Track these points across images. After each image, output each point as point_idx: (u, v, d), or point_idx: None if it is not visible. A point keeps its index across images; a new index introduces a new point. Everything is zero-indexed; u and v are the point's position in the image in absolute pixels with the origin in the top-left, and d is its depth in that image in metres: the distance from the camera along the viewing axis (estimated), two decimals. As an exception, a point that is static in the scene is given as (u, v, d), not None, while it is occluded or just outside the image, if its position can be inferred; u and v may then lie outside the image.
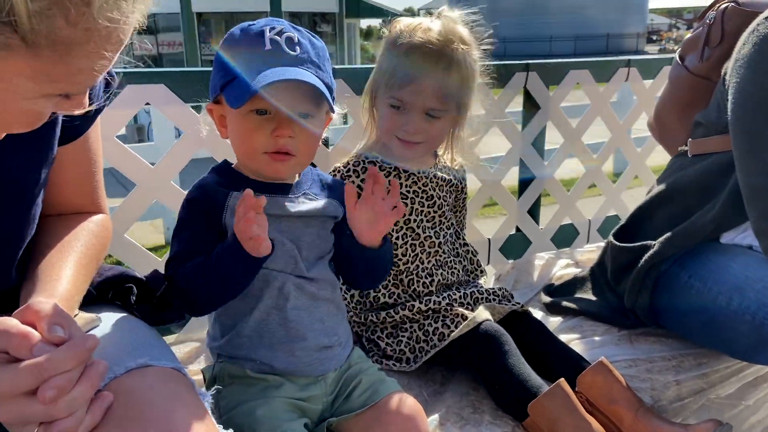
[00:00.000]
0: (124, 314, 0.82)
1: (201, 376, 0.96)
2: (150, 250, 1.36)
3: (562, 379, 1.01)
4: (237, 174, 0.93)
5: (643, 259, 1.21)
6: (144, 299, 0.88)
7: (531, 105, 1.76)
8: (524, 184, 1.83)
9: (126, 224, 1.28)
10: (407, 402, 0.92)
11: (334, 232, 0.97)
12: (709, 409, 1.23)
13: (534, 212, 1.87)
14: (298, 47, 0.85)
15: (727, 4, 1.30)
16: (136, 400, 0.63)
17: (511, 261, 1.80)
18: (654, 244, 1.20)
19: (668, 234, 1.19)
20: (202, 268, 0.83)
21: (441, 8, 1.14)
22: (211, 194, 0.90)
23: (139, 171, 1.26)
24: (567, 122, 1.83)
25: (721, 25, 1.29)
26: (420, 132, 1.12)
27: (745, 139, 1.05)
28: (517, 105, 1.80)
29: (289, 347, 0.89)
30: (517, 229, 1.85)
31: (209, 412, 0.69)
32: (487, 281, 1.37)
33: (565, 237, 1.95)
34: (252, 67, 0.83)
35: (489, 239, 1.79)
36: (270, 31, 0.84)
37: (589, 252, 1.78)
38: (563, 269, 1.66)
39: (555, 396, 0.98)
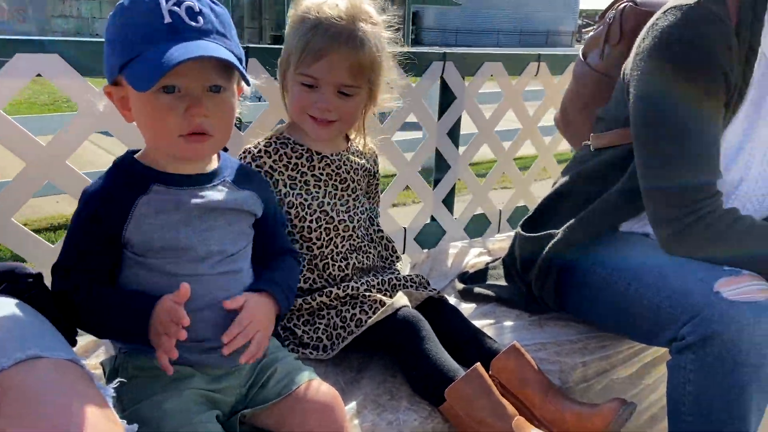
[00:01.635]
0: (14, 301, 0.74)
1: (100, 370, 0.89)
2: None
3: (478, 364, 1.02)
4: (144, 169, 0.86)
5: (547, 248, 1.25)
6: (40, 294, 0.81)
7: (447, 94, 1.78)
8: (439, 173, 1.85)
9: (13, 207, 1.16)
10: (323, 390, 0.89)
11: (254, 229, 0.93)
12: (612, 389, 1.29)
13: (448, 202, 1.89)
14: (200, 17, 0.79)
15: (625, 4, 1.36)
16: (25, 394, 0.57)
17: (426, 250, 1.81)
18: (558, 234, 1.24)
19: (571, 223, 1.23)
20: (103, 311, 0.81)
21: None
22: (109, 206, 0.82)
23: (28, 149, 1.16)
24: (481, 113, 1.87)
25: (620, 24, 1.34)
26: (333, 109, 1.10)
27: (643, 131, 1.10)
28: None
29: (198, 341, 0.84)
30: (432, 219, 1.87)
31: (110, 405, 0.64)
32: (403, 268, 1.36)
33: (477, 227, 1.99)
34: (154, 43, 0.76)
35: (405, 228, 1.79)
36: (166, 2, 0.77)
37: (500, 241, 1.82)
38: (476, 258, 1.69)
39: (471, 380, 0.99)
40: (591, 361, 1.26)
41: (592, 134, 1.32)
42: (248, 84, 0.86)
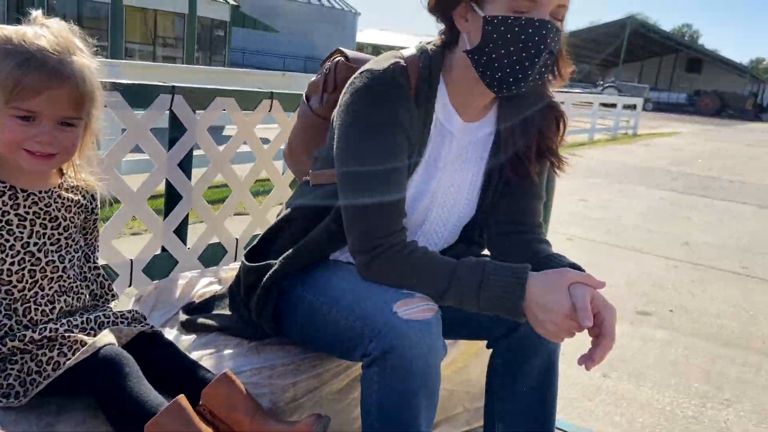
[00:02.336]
0: None
1: None
2: None
3: (181, 396, 1.06)
4: None
5: (266, 277, 1.35)
6: None
7: (177, 126, 1.79)
8: (171, 203, 1.85)
9: None
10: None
11: None
12: (322, 404, 1.42)
13: (181, 232, 1.90)
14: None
15: (339, 58, 1.52)
16: None
17: (154, 282, 1.79)
18: (276, 264, 1.34)
19: (288, 253, 1.33)
20: None
21: (35, 15, 1.10)
22: None
23: None
24: (214, 146, 1.92)
25: (334, 75, 1.49)
26: (54, 142, 1.07)
27: (342, 179, 1.25)
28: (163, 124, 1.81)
29: None
30: (163, 249, 1.86)
31: None
32: (118, 305, 1.34)
33: (213, 256, 2.03)
34: None
35: (131, 260, 1.75)
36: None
37: (233, 270, 1.88)
38: (205, 287, 1.72)
39: (171, 413, 1.02)
40: (301, 381, 1.37)
41: (310, 171, 1.43)
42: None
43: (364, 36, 43.97)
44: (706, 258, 4.66)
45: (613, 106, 16.67)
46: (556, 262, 1.28)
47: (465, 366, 1.71)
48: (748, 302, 3.73)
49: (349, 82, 1.26)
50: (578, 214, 5.81)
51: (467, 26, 1.20)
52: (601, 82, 43.76)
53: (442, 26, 1.28)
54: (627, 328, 3.15)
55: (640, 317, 3.33)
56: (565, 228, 5.15)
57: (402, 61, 1.22)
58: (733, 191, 8.19)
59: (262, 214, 2.18)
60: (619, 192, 7.29)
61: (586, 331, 1.14)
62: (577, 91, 29.92)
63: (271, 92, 2.06)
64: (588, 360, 1.12)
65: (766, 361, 2.90)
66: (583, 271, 1.20)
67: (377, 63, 1.23)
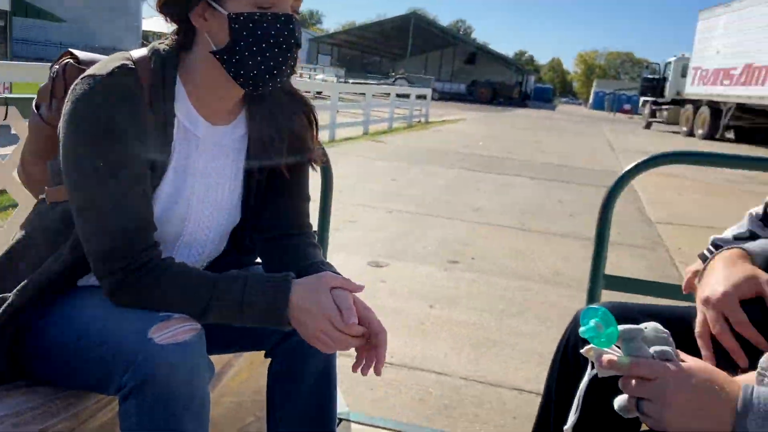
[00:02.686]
0: None
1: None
2: None
3: None
4: None
5: None
6: None
7: None
8: None
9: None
10: None
11: None
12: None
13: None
14: None
15: (67, 60, 1.29)
16: None
17: None
18: (10, 296, 1.13)
19: (24, 284, 1.13)
20: None
21: None
22: None
23: None
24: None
25: (64, 79, 1.27)
26: None
27: (72, 196, 1.10)
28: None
29: None
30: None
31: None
32: None
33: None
34: None
35: None
36: None
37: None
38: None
39: None
40: (55, 425, 1.15)
41: (46, 187, 1.23)
42: None
43: (151, 24, 41.37)
44: (495, 219, 5.79)
45: (407, 96, 18.32)
46: (319, 268, 1.21)
47: (251, 375, 1.62)
48: (526, 248, 4.85)
49: (71, 88, 1.10)
50: (392, 192, 6.70)
51: (207, 25, 1.11)
52: (393, 74, 46.80)
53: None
54: (442, 274, 4.00)
55: (451, 265, 4.21)
56: (384, 204, 5.98)
57: (130, 63, 1.09)
58: (509, 167, 9.81)
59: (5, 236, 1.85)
60: (421, 171, 8.39)
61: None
62: (373, 82, 31.83)
63: (6, 97, 1.84)
64: (365, 366, 1.13)
65: (541, 287, 3.93)
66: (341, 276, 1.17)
67: (102, 66, 1.09)
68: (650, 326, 0.83)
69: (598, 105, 60.99)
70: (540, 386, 2.89)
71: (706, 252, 1.18)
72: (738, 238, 1.18)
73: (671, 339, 0.82)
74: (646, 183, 7.81)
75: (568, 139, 17.39)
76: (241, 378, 1.60)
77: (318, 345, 1.09)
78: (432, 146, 11.84)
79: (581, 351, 0.85)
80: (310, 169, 1.32)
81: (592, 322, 0.80)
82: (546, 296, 3.74)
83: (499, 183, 8.05)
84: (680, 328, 1.01)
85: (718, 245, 1.16)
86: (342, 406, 1.96)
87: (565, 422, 0.87)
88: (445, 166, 9.16)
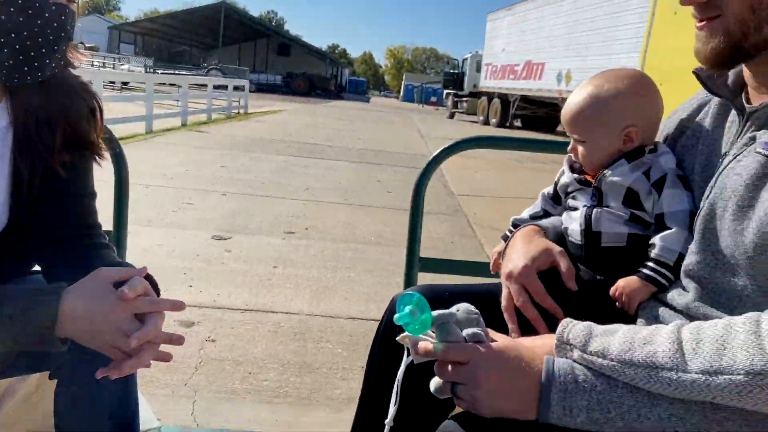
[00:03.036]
0: None
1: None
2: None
3: None
4: None
5: None
6: None
7: None
8: None
9: None
10: None
11: None
12: None
13: None
14: None
15: None
16: None
17: None
18: None
19: None
20: None
21: None
22: None
23: None
24: None
25: None
26: None
27: None
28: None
29: None
30: None
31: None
32: None
33: None
34: None
35: None
36: None
37: None
38: None
39: None
40: None
41: None
42: None
43: None
44: (323, 197, 6.41)
45: (225, 87, 18.25)
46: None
47: (42, 399, 1.38)
48: (352, 219, 5.53)
49: None
50: (224, 176, 7.00)
51: None
52: (205, 65, 45.38)
53: None
54: (281, 242, 4.51)
55: (288, 235, 4.74)
56: (217, 188, 6.30)
57: None
58: (332, 153, 10.52)
59: None
60: (250, 159, 8.73)
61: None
62: (185, 73, 30.74)
63: None
64: (113, 369, 0.93)
65: (366, 247, 4.62)
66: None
67: None
68: (462, 308, 0.85)
69: (408, 97, 64.79)
70: (369, 315, 3.61)
71: (507, 232, 1.22)
72: (534, 217, 1.24)
73: (481, 319, 0.85)
74: (450, 163, 8.98)
75: (382, 128, 18.67)
76: (32, 402, 1.38)
77: (114, 356, 0.94)
78: (256, 136, 12.14)
79: (397, 338, 0.85)
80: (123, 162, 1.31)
81: (407, 309, 0.81)
82: (371, 254, 4.43)
83: (324, 167, 8.69)
84: (490, 304, 1.05)
85: (517, 225, 1.22)
86: (152, 422, 1.74)
87: (386, 408, 0.87)
88: (272, 153, 9.58)
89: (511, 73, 22.63)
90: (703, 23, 0.87)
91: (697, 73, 0.97)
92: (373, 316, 3.19)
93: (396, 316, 0.81)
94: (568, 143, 1.15)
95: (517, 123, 23.71)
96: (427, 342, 0.82)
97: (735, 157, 0.88)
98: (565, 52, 17.43)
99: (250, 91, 21.30)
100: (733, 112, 0.96)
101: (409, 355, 0.84)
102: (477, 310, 0.86)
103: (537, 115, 22.09)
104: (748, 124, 0.90)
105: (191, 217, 4.98)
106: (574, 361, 0.80)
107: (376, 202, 6.38)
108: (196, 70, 40.44)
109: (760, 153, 0.84)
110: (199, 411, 2.15)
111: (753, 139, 0.87)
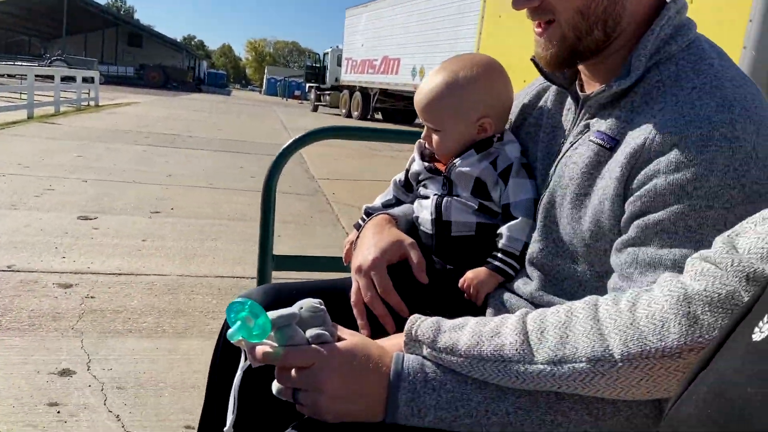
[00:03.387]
0: None
1: None
2: None
3: None
4: None
5: None
6: None
7: None
8: None
9: None
10: None
11: None
12: None
13: None
14: None
15: None
16: None
17: None
18: None
19: None
20: None
21: None
22: None
23: None
24: None
25: None
26: None
27: None
28: None
29: None
30: None
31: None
32: None
33: None
34: None
35: None
36: None
37: None
38: None
39: None
40: None
41: None
42: None
43: None
44: (186, 182, 6.65)
45: (73, 79, 17.30)
46: None
47: None
48: (217, 200, 5.86)
49: None
50: (81, 165, 6.97)
51: None
52: (47, 55, 41.97)
53: None
54: (148, 220, 4.78)
55: (154, 214, 5.00)
56: (77, 175, 6.32)
57: None
58: (193, 143, 10.59)
59: None
60: (107, 149, 8.64)
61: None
62: (25, 64, 28.34)
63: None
64: None
65: (230, 222, 5.01)
66: None
67: None
68: (306, 305, 0.80)
69: (272, 91, 64.08)
70: (236, 274, 4.07)
71: (360, 221, 1.19)
72: (386, 205, 1.21)
73: (327, 316, 0.80)
74: (312, 151, 9.49)
75: (245, 120, 18.70)
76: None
77: None
78: (110, 127, 11.83)
79: (232, 341, 0.77)
80: None
81: (239, 322, 0.74)
82: (234, 228, 4.84)
83: (185, 155, 8.83)
84: (342, 299, 1.03)
85: (369, 213, 1.19)
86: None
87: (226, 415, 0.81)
88: (129, 144, 9.50)
89: (370, 67, 23.54)
90: (541, 29, 0.90)
91: (534, 61, 0.97)
92: (240, 274, 3.65)
93: (229, 332, 0.75)
94: (412, 133, 1.14)
95: (378, 116, 24.72)
96: (265, 346, 0.77)
97: (572, 145, 0.91)
98: (418, 49, 18.57)
99: (100, 83, 20.29)
100: (569, 99, 0.98)
101: (246, 359, 0.78)
102: (322, 306, 0.81)
103: (396, 108, 23.19)
104: (583, 111, 0.93)
105: (54, 201, 5.06)
106: (424, 357, 0.78)
107: (240, 186, 6.74)
108: (38, 61, 37.33)
109: (593, 142, 0.86)
110: (88, 345, 2.50)
111: (587, 127, 0.90)
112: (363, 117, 24.01)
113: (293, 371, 0.77)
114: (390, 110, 23.67)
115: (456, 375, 0.76)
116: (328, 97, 29.56)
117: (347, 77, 26.44)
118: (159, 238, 4.30)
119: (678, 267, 0.73)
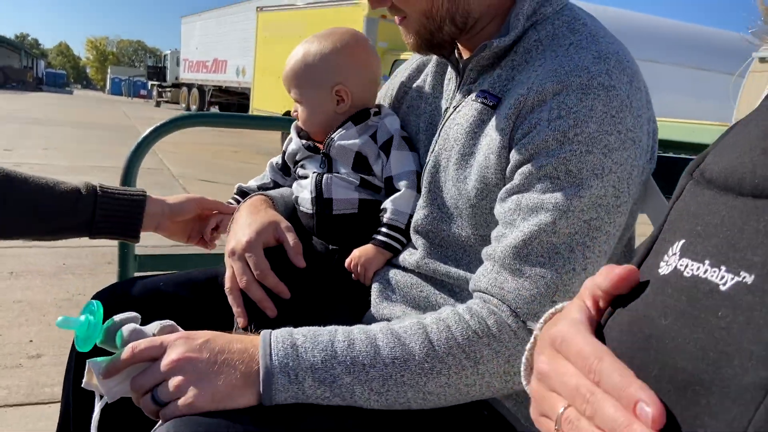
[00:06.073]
0: None
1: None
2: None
3: None
4: None
5: None
6: None
7: None
8: None
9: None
10: None
11: None
12: None
13: None
14: None
15: None
16: None
17: None
18: None
19: None
20: None
21: None
22: None
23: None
24: None
25: None
26: None
27: None
28: None
29: None
30: None
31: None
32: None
33: None
34: None
35: None
36: None
37: None
38: None
39: None
40: None
41: None
42: None
43: None
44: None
45: None
46: None
47: None
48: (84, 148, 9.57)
49: None
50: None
51: None
52: None
53: None
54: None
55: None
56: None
57: None
58: (53, 122, 13.42)
59: None
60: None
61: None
62: None
63: None
64: None
65: (103, 174, 8.91)
66: None
67: None
68: (156, 326, 0.75)
69: (116, 90, 63.16)
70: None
71: (231, 200, 1.15)
72: (263, 189, 1.16)
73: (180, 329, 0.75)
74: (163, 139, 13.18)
75: (90, 111, 20.86)
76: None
77: None
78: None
79: (83, 385, 0.72)
80: None
81: (85, 326, 0.70)
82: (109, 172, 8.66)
83: (51, 131, 11.61)
84: (215, 290, 0.99)
85: (244, 192, 1.16)
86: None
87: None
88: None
89: (204, 67, 27.34)
90: (398, 20, 0.93)
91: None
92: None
93: (77, 343, 0.71)
94: (277, 119, 1.09)
95: (215, 109, 28.46)
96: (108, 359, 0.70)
97: (455, 109, 0.92)
98: (239, 52, 22.86)
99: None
100: (450, 69, 1.00)
101: (102, 397, 0.71)
102: (171, 322, 0.76)
103: (230, 102, 27.05)
104: (464, 76, 0.94)
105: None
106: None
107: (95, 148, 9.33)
108: None
109: (476, 101, 0.88)
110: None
111: (470, 90, 0.92)
112: (200, 110, 27.71)
113: (143, 374, 0.71)
114: (225, 104, 27.54)
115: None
116: (169, 94, 32.92)
117: (185, 75, 30.02)
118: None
119: (558, 209, 0.75)
